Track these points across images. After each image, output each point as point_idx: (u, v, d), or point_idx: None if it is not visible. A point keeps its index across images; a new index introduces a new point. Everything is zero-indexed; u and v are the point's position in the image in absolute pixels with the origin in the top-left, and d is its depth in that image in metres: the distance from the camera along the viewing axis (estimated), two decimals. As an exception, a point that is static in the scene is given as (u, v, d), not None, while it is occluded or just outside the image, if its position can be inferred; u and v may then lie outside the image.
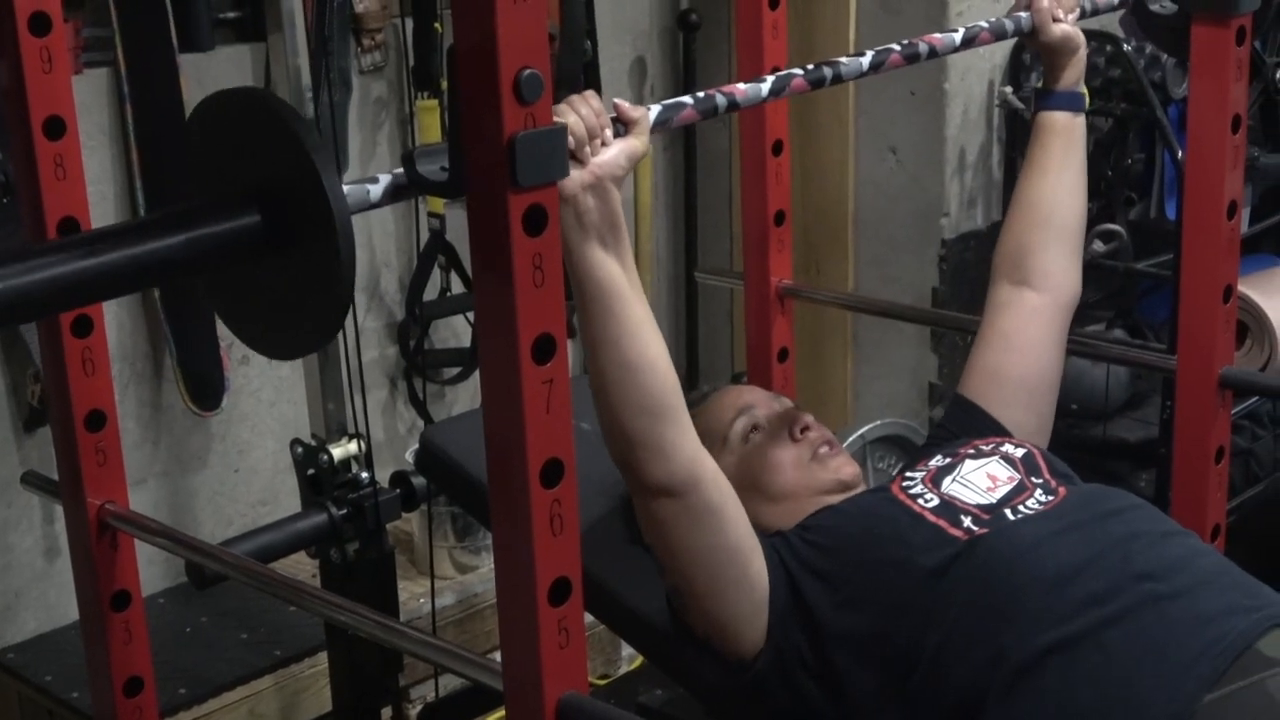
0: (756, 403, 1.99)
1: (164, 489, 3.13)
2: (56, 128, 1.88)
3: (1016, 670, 1.64)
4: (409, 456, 2.96)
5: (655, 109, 1.66)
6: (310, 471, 2.44)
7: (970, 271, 3.51)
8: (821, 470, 1.92)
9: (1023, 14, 2.07)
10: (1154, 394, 3.42)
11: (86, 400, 1.98)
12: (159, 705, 2.16)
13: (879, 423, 3.36)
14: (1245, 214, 3.19)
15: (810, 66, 1.84)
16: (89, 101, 2.86)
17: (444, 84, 3.09)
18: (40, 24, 1.85)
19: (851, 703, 1.75)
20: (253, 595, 2.89)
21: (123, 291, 1.39)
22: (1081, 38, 2.10)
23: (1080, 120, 2.12)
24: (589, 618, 1.59)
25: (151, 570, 2.99)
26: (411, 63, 3.12)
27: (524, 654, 1.43)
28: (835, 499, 1.89)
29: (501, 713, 1.52)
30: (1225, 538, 2.17)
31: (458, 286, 3.32)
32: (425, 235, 3.28)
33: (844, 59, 1.88)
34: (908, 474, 1.88)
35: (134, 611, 2.07)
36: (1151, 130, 3.26)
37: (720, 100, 1.74)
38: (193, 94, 2.95)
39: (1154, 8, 2.26)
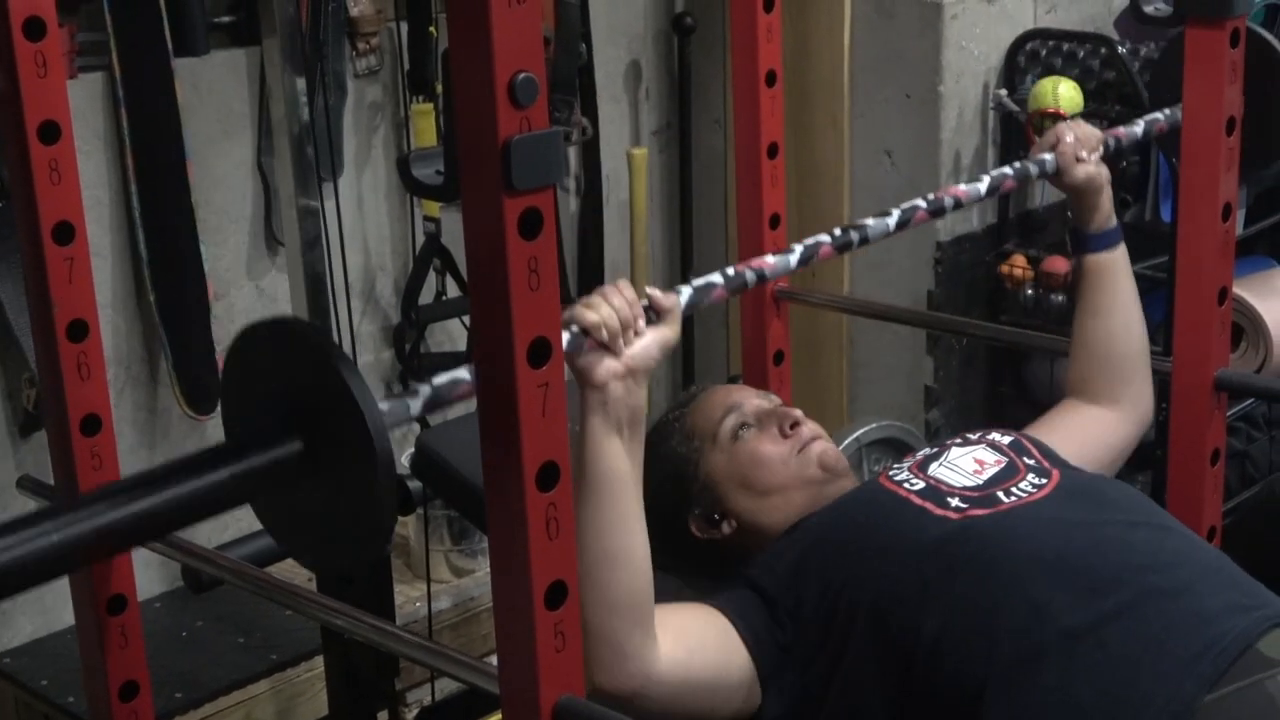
0: (745, 400, 1.99)
1: (160, 493, 3.12)
2: (51, 132, 1.88)
3: (1015, 663, 1.64)
4: (405, 460, 2.96)
5: (686, 292, 1.70)
6: (306, 475, 2.43)
7: (965, 274, 3.52)
8: (809, 461, 1.92)
9: (1047, 156, 2.08)
10: (1149, 396, 3.42)
11: (82, 404, 1.98)
12: (155, 710, 2.16)
13: (874, 425, 3.36)
14: (1240, 216, 3.20)
15: (838, 232, 1.92)
16: (84, 106, 2.86)
17: (439, 88, 3.09)
18: (35, 29, 1.84)
19: (856, 701, 1.74)
20: (249, 599, 2.89)
21: (167, 531, 1.43)
22: (1106, 175, 2.10)
23: (1120, 252, 2.12)
24: (585, 621, 1.58)
25: (148, 574, 2.99)
26: (406, 66, 3.12)
27: (520, 657, 1.43)
28: (828, 489, 1.90)
29: (498, 716, 1.52)
30: (1221, 539, 2.17)
31: (453, 290, 3.32)
32: (420, 239, 3.28)
33: (870, 220, 1.96)
34: (894, 465, 1.89)
35: (130, 616, 2.07)
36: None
37: (749, 275, 1.82)
38: (188, 98, 2.95)
39: (1149, 10, 2.26)
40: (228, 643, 2.97)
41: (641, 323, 1.59)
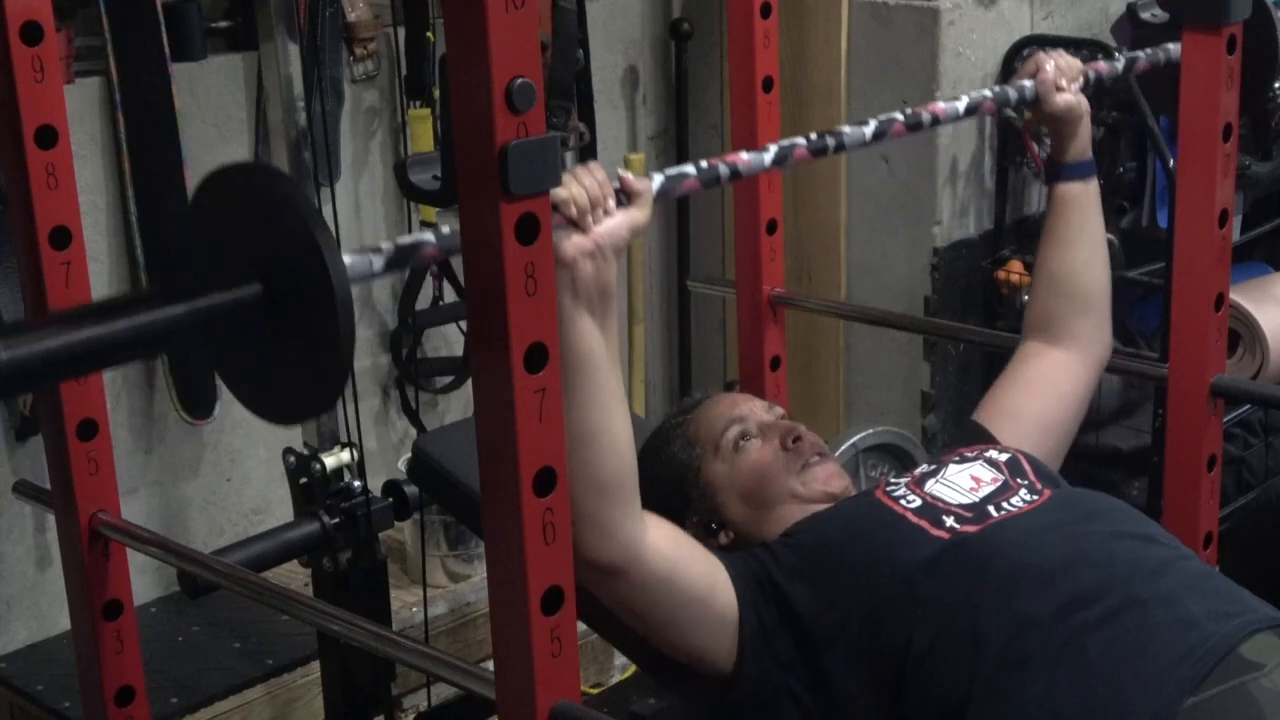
0: (750, 412, 1.99)
1: (156, 498, 3.13)
2: (48, 137, 1.88)
3: (999, 672, 1.64)
4: (401, 465, 2.96)
5: (658, 179, 1.69)
6: (303, 480, 2.43)
7: (962, 280, 3.52)
8: (811, 480, 1.93)
9: (1026, 82, 2.08)
10: (1146, 402, 3.42)
11: (78, 409, 1.98)
12: (151, 715, 2.15)
13: (871, 431, 3.36)
14: (1236, 222, 3.20)
15: (814, 136, 1.87)
16: (81, 110, 2.86)
17: (436, 93, 3.10)
18: (32, 33, 1.85)
19: (842, 710, 1.75)
20: (245, 604, 2.89)
21: (124, 360, 1.42)
22: (1085, 106, 2.10)
23: (1092, 186, 2.13)
24: (581, 626, 1.58)
25: (143, 579, 2.99)
26: (404, 71, 3.12)
27: (517, 663, 1.43)
28: (823, 508, 1.90)
29: (494, 722, 1.52)
30: (1217, 546, 2.17)
31: (450, 295, 3.32)
32: (417, 244, 3.28)
33: (846, 128, 1.91)
34: (892, 480, 1.88)
35: (126, 621, 2.07)
36: (1143, 139, 3.27)
37: (723, 169, 1.78)
38: (184, 103, 2.95)
39: (1145, 16, 2.27)
40: (224, 648, 2.97)
41: (611, 202, 1.59)
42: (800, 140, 1.86)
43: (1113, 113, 3.30)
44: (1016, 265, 3.46)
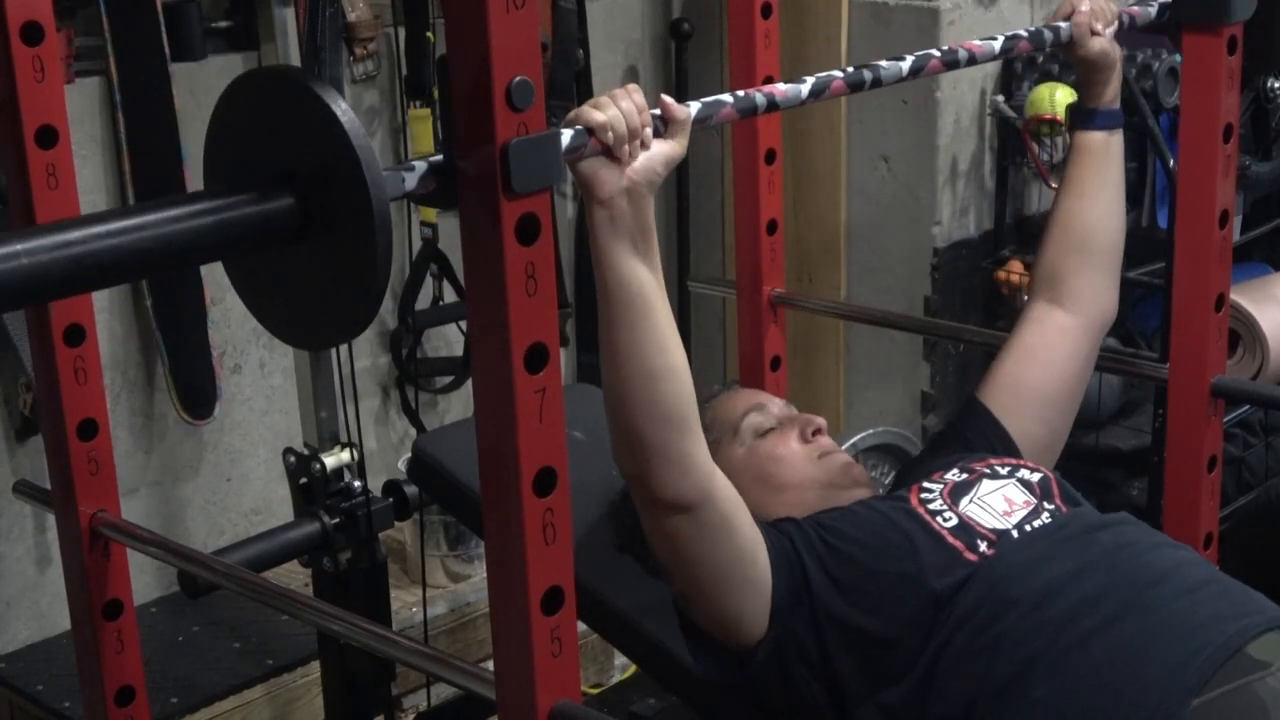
0: (769, 403, 2.01)
1: (156, 498, 3.13)
2: (49, 137, 1.88)
3: (1004, 682, 1.65)
4: (401, 465, 2.96)
5: (695, 106, 1.62)
6: (303, 480, 2.43)
7: (962, 280, 3.52)
8: (830, 464, 1.93)
9: (1062, 24, 2.04)
10: (1146, 402, 3.42)
11: (78, 409, 1.98)
12: (151, 715, 2.15)
13: (871, 431, 3.37)
14: (1236, 223, 3.20)
15: (849, 69, 1.81)
16: (81, 111, 2.86)
17: (436, 92, 3.10)
18: (33, 33, 1.85)
19: (844, 699, 1.75)
20: (245, 604, 2.89)
21: (147, 274, 1.33)
22: (1118, 53, 2.07)
23: (1116, 138, 2.10)
24: (581, 626, 1.58)
25: (143, 579, 2.99)
26: (404, 71, 3.12)
27: (517, 663, 1.43)
28: (842, 494, 1.90)
29: (494, 722, 1.52)
30: (1218, 546, 2.17)
31: (450, 295, 3.32)
32: (417, 244, 3.28)
33: (884, 63, 1.84)
34: (925, 484, 1.87)
35: (126, 621, 2.07)
36: (1143, 139, 3.26)
37: (760, 99, 1.71)
38: (185, 103, 2.95)
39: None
40: (224, 648, 2.97)
41: (649, 131, 1.53)
42: (837, 73, 1.80)
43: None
44: (1017, 265, 3.46)
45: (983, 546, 1.76)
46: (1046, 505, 1.83)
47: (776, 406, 2.01)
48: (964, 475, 1.88)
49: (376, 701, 2.54)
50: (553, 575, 1.41)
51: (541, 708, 1.43)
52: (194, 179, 3.00)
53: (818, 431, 1.96)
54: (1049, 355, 2.04)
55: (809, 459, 1.93)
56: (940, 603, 1.71)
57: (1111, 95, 2.09)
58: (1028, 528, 1.78)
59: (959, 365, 3.57)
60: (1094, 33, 2.04)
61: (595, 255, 1.55)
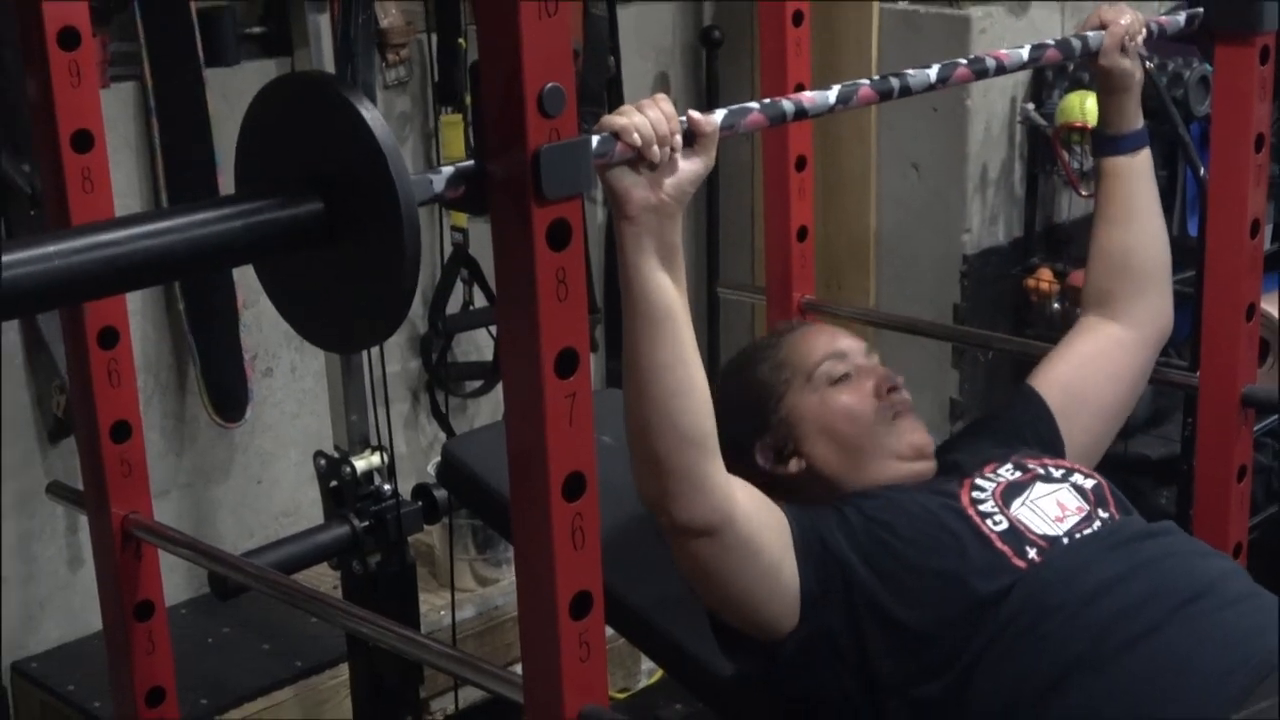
0: (850, 351, 1.94)
1: (187, 500, 3.14)
2: (84, 141, 1.89)
3: (1045, 686, 1.64)
4: (431, 469, 2.97)
5: (721, 114, 1.62)
6: (333, 483, 2.44)
7: (991, 288, 3.51)
8: (900, 432, 1.89)
9: (1091, 34, 2.02)
10: (1176, 411, 3.41)
11: (111, 411, 1.99)
12: (180, 715, 2.17)
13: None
14: (1267, 231, 3.19)
15: (877, 77, 1.81)
16: (116, 115, 2.88)
17: (468, 98, 3.10)
18: (69, 38, 1.86)
19: (877, 691, 1.74)
20: (274, 606, 2.89)
21: (177, 276, 1.34)
22: (1140, 76, 2.05)
23: (1140, 158, 2.07)
24: (608, 631, 1.59)
25: (174, 580, 3.00)
26: (436, 77, 3.13)
27: (545, 667, 1.44)
28: (904, 466, 1.87)
29: (521, 725, 1.52)
30: (1247, 555, 2.17)
31: (480, 300, 3.33)
32: (448, 248, 3.29)
33: (911, 71, 1.84)
34: (978, 481, 1.84)
35: (157, 621, 2.08)
36: (1173, 147, 3.25)
37: (787, 106, 1.71)
38: (218, 108, 2.97)
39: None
40: (253, 649, 2.98)
41: (678, 139, 1.53)
42: (864, 82, 1.80)
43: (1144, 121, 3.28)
44: (1046, 273, 3.46)
45: (1032, 554, 1.74)
46: (1100, 513, 1.81)
47: (856, 355, 1.94)
48: (1018, 474, 1.85)
49: (404, 704, 2.55)
50: (581, 579, 1.42)
51: (569, 711, 1.43)
52: (227, 184, 3.01)
53: (894, 388, 1.90)
54: (1104, 365, 2.03)
55: (882, 422, 1.89)
56: (984, 607, 1.70)
57: (1131, 115, 2.07)
58: (1078, 535, 1.76)
59: (987, 373, 3.56)
60: (1123, 48, 2.03)
61: (622, 270, 1.56)
